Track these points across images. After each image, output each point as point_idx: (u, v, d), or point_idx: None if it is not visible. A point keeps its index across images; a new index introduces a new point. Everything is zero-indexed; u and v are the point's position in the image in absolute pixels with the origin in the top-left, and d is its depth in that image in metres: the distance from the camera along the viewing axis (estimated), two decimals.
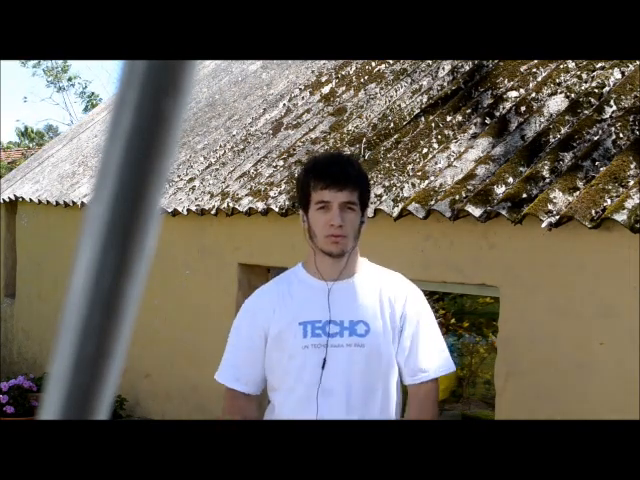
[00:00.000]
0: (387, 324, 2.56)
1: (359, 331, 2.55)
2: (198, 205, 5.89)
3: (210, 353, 6.14)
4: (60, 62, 23.23)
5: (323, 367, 2.54)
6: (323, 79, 6.55)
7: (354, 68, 6.39)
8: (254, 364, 2.60)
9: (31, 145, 26.04)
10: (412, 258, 4.46)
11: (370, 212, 4.52)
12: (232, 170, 6.07)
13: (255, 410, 2.67)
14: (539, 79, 4.78)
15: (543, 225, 3.82)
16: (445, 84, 5.39)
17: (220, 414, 2.82)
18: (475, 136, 4.66)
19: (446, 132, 4.84)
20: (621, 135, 4.00)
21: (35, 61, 22.89)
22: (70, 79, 24.03)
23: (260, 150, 6.08)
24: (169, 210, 6.05)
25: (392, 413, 2.62)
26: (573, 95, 4.49)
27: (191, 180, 6.33)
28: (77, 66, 31.74)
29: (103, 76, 39.37)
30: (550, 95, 4.57)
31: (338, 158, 2.88)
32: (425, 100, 5.33)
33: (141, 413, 6.72)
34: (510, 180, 4.15)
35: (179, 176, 6.47)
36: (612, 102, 4.23)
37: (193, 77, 0.47)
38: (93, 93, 24.30)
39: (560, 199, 3.85)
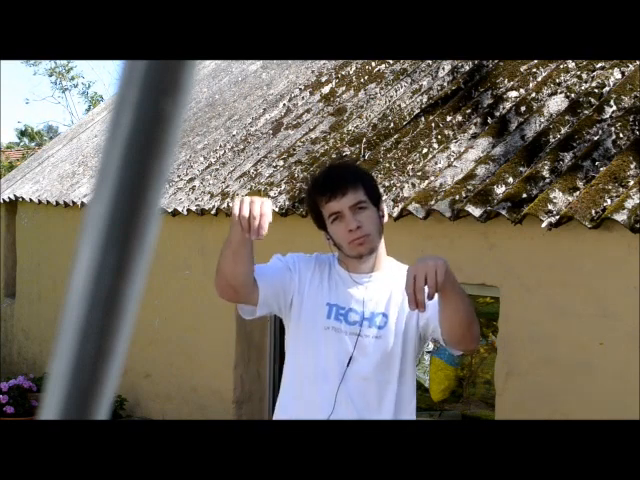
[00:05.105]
0: (409, 313, 2.59)
1: (378, 323, 2.60)
2: (198, 205, 5.89)
3: (210, 353, 6.15)
4: (64, 61, 23.28)
5: (335, 352, 2.58)
6: (323, 79, 6.55)
7: (354, 68, 6.39)
8: (273, 278, 2.58)
9: (31, 145, 26.05)
10: (412, 258, 4.45)
11: None
12: (232, 170, 6.07)
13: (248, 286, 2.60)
14: (539, 79, 4.78)
15: (543, 225, 3.82)
16: (445, 84, 5.39)
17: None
18: (475, 136, 4.66)
19: (446, 132, 4.84)
20: (621, 135, 4.00)
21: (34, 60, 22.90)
22: (73, 78, 24.05)
23: (260, 150, 6.08)
24: (169, 210, 6.05)
25: (406, 403, 2.64)
26: (573, 95, 4.49)
27: (191, 180, 6.33)
28: (80, 66, 31.74)
29: (105, 77, 39.40)
30: (550, 95, 4.57)
31: (332, 168, 2.92)
32: (425, 100, 5.33)
33: (141, 413, 6.72)
34: (510, 180, 4.15)
35: (179, 176, 6.47)
36: (612, 102, 4.23)
37: (193, 77, 0.47)
38: (96, 93, 24.32)
39: (560, 199, 3.85)
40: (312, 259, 2.71)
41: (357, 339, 2.59)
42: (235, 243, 2.42)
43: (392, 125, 5.27)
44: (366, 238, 2.58)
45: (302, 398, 2.63)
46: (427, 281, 2.28)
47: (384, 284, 2.64)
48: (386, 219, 2.67)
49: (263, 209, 2.33)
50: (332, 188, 2.59)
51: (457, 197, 4.20)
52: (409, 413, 2.67)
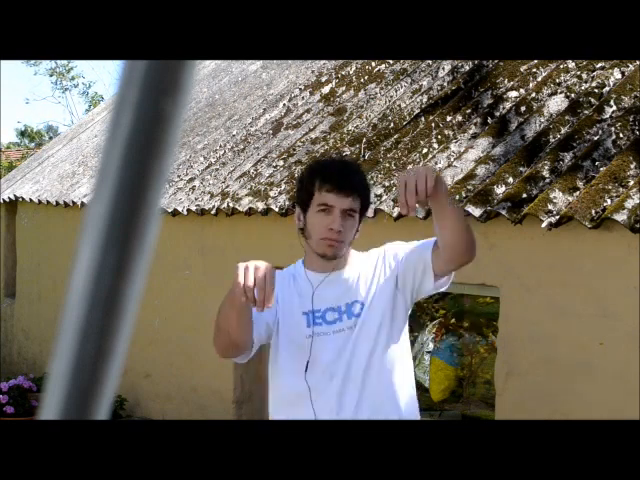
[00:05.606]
0: (382, 284, 2.60)
1: (355, 311, 2.62)
2: (198, 205, 5.89)
3: (210, 353, 6.14)
4: (64, 61, 23.27)
5: (325, 354, 2.58)
6: (323, 79, 6.55)
7: (354, 68, 6.39)
8: (258, 319, 2.58)
9: (31, 145, 26.06)
10: None
11: (370, 212, 4.52)
12: (232, 170, 6.07)
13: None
14: (539, 79, 4.78)
15: (543, 225, 3.82)
16: (445, 84, 5.39)
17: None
18: (475, 136, 4.66)
19: (446, 132, 4.84)
20: (621, 135, 4.00)
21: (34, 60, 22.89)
22: (73, 78, 24.05)
23: (260, 150, 6.08)
24: (169, 210, 6.05)
25: (403, 379, 2.64)
26: (573, 95, 4.49)
27: (191, 180, 6.33)
28: (80, 66, 31.75)
29: (105, 77, 39.42)
30: (550, 95, 4.57)
31: (347, 164, 2.91)
32: (425, 100, 5.33)
33: (141, 413, 6.72)
34: (510, 180, 4.15)
35: (179, 176, 6.47)
36: (612, 102, 4.23)
37: (193, 77, 0.47)
38: (96, 93, 24.31)
39: (560, 199, 3.85)
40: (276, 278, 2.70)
41: (334, 336, 2.60)
42: (239, 307, 2.37)
43: (392, 125, 5.27)
44: (339, 244, 2.58)
45: (296, 415, 2.62)
46: (417, 186, 2.34)
47: (350, 274, 2.66)
48: (357, 237, 2.68)
49: (267, 279, 2.28)
50: (339, 183, 2.58)
51: (457, 197, 4.20)
52: (409, 396, 2.67)
